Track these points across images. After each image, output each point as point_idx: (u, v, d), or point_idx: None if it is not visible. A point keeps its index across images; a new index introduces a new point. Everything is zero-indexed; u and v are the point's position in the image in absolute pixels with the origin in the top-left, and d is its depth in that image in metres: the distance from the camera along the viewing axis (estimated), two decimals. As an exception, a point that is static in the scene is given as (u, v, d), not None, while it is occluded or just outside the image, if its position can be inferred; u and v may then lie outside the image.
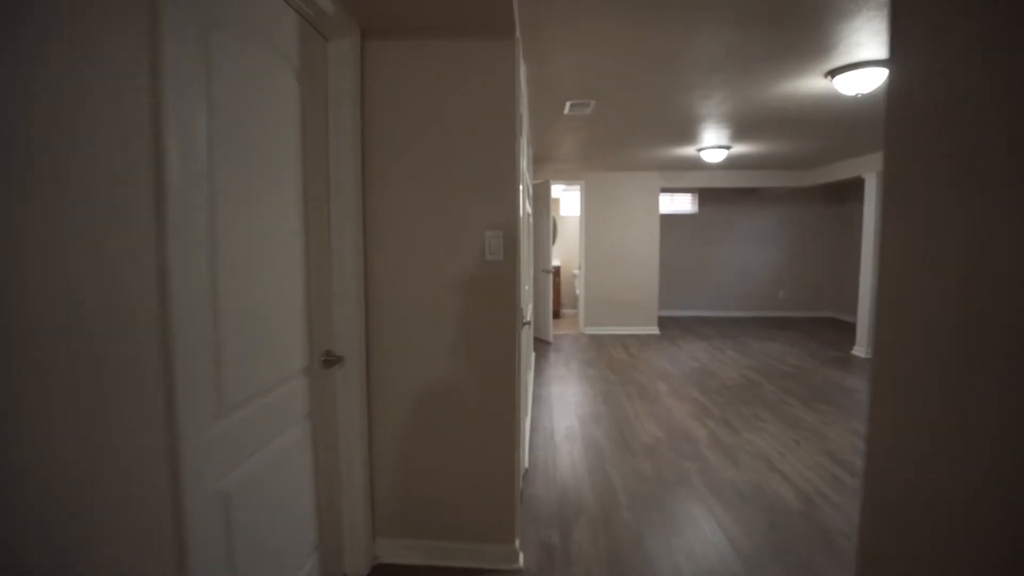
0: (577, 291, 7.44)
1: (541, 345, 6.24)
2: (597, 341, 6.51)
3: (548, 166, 6.57)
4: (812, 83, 3.04)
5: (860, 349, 5.60)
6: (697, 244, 8.32)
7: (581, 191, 6.90)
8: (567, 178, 6.96)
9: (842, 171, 6.13)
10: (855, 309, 7.67)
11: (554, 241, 8.57)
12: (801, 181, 6.99)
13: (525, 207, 2.96)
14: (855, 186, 7.70)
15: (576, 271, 8.10)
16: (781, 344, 6.22)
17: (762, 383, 4.57)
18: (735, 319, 8.13)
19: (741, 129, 4.36)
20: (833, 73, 2.84)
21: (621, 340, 6.56)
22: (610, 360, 5.49)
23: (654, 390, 4.39)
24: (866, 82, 2.75)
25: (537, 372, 5.03)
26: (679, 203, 8.32)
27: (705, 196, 8.28)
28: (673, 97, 3.38)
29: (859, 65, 2.71)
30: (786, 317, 8.30)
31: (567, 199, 8.63)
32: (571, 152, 5.54)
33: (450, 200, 1.89)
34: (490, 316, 1.91)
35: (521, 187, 2.14)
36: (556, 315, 8.29)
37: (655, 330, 6.98)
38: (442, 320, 1.92)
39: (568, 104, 3.56)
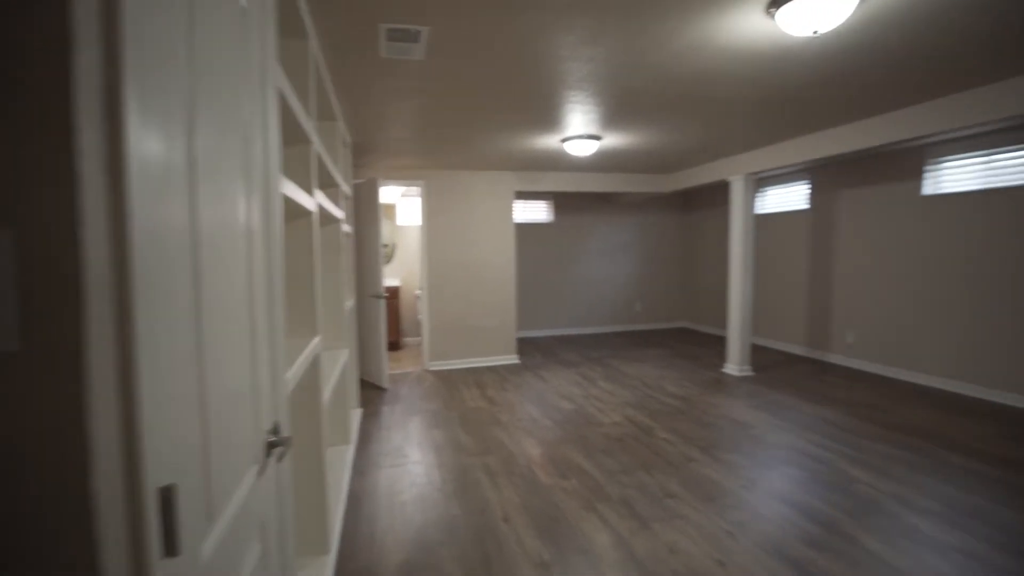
0: (420, 316, 6.05)
1: (374, 394, 4.71)
2: (446, 380, 5.18)
3: (377, 160, 5.10)
4: (744, 23, 2.11)
5: (732, 367, 5.12)
6: (553, 256, 7.50)
7: (422, 193, 5.55)
8: (403, 177, 5.55)
9: (704, 175, 5.70)
10: (709, 319, 7.52)
11: (389, 259, 7.07)
12: (660, 187, 6.52)
13: (300, 193, 1.51)
14: (704, 192, 7.56)
15: (418, 292, 6.70)
16: (652, 366, 5.55)
17: (652, 428, 3.66)
18: (595, 336, 7.45)
19: (620, 109, 3.42)
20: (779, 2, 1.92)
21: (475, 376, 5.32)
22: (463, 411, 4.19)
23: (525, 459, 3.19)
24: (832, 11, 1.86)
25: (362, 441, 3.52)
26: (534, 211, 7.44)
27: (561, 203, 7.52)
28: (536, 35, 2.23)
29: (814, -13, 1.81)
30: (645, 330, 7.88)
31: (407, 206, 7.20)
32: (404, 138, 4.17)
33: None
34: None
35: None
36: (396, 347, 6.79)
37: (515, 359, 5.89)
38: None
39: (385, 32, 2.19)
